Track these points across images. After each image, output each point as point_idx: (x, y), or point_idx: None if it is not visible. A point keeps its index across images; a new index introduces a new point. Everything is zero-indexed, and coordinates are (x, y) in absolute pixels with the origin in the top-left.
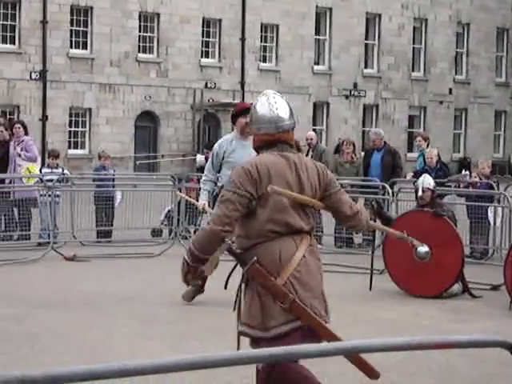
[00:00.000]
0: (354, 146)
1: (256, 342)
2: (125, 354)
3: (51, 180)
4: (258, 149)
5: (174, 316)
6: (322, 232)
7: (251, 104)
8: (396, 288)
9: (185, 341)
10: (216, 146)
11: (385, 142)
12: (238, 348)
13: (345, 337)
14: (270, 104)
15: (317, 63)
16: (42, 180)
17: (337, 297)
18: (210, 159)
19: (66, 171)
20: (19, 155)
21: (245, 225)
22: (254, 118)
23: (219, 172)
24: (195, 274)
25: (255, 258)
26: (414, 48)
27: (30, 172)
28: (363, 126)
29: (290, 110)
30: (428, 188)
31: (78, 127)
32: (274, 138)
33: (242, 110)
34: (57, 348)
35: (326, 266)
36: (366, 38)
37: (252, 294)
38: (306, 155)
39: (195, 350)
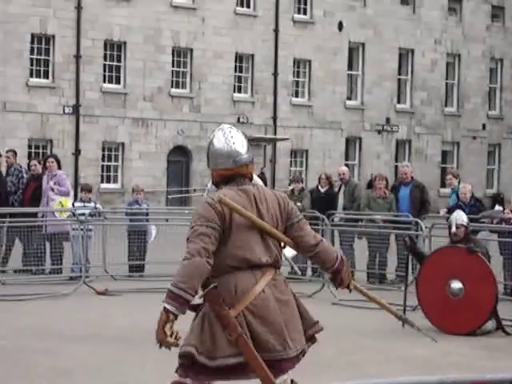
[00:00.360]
0: (386, 181)
1: (195, 367)
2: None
3: (83, 214)
4: (218, 184)
5: None
6: (355, 268)
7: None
8: (429, 325)
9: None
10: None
11: (412, 177)
12: None
13: (377, 374)
14: (227, 138)
15: (349, 98)
16: (74, 214)
17: (369, 334)
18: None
19: (98, 205)
20: (52, 189)
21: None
22: (211, 153)
23: None
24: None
25: (214, 284)
26: (447, 83)
27: (62, 206)
28: (396, 161)
29: (248, 143)
30: (462, 224)
31: (110, 161)
32: (232, 173)
33: None
34: (88, 383)
35: (357, 303)
36: (399, 73)
37: (206, 320)
38: (339, 190)
39: None
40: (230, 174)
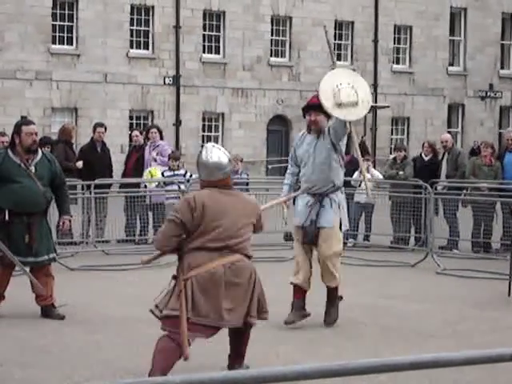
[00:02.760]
0: (493, 148)
1: (167, 320)
2: (260, 358)
3: (180, 183)
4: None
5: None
6: (459, 237)
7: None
8: None
9: (317, 346)
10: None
11: None
12: None
13: (484, 344)
14: (208, 156)
15: (451, 64)
16: (165, 183)
17: (475, 303)
18: (289, 157)
19: (189, 173)
20: (155, 160)
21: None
22: (199, 167)
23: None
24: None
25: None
26: None
27: (152, 175)
28: (500, 128)
29: (228, 158)
30: None
31: (211, 132)
32: (214, 184)
33: (308, 106)
34: (192, 350)
35: (462, 272)
36: (502, 39)
37: (174, 285)
38: (442, 158)
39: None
40: (211, 185)
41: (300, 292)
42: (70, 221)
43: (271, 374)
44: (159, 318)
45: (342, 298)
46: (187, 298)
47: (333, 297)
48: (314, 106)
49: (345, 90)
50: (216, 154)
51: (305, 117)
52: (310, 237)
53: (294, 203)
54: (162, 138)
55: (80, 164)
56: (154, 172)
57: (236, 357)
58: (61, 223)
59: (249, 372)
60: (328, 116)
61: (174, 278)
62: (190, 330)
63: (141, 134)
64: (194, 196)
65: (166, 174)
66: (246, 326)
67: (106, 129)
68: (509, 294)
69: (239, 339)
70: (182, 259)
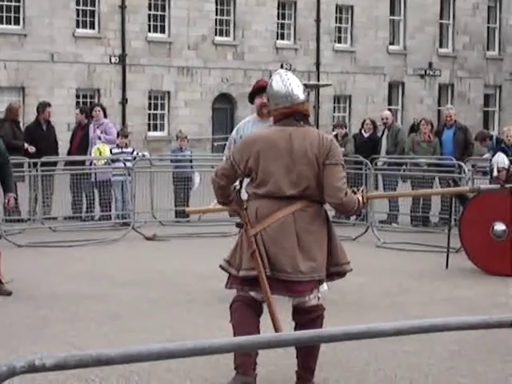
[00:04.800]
0: (431, 125)
1: (231, 280)
2: (203, 332)
3: (127, 160)
4: (276, 122)
5: None
6: (398, 211)
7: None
8: (473, 266)
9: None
10: (234, 130)
11: (455, 120)
12: None
13: (422, 315)
14: (284, 81)
15: (391, 43)
16: (113, 161)
17: (413, 275)
18: (227, 145)
19: (145, 153)
20: (99, 138)
21: (247, 186)
22: (271, 95)
23: None
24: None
25: (245, 207)
26: (488, 27)
27: (100, 153)
28: (439, 105)
29: (303, 85)
30: (503, 167)
31: (157, 110)
32: (291, 111)
33: (259, 89)
34: (137, 326)
35: (401, 245)
36: (441, 18)
37: (240, 238)
38: (382, 135)
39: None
40: (288, 111)
41: None
42: (15, 198)
43: (206, 346)
44: (234, 277)
45: None
46: (261, 255)
47: None
48: (264, 88)
49: None
50: (293, 78)
51: (252, 103)
52: None
53: None
54: (105, 116)
55: (33, 149)
56: (103, 149)
57: (304, 372)
58: (6, 200)
59: (185, 344)
60: None
61: (239, 225)
62: (271, 287)
63: (81, 112)
64: (250, 137)
65: (113, 151)
66: (332, 277)
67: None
68: (446, 267)
69: (307, 349)
70: (249, 205)
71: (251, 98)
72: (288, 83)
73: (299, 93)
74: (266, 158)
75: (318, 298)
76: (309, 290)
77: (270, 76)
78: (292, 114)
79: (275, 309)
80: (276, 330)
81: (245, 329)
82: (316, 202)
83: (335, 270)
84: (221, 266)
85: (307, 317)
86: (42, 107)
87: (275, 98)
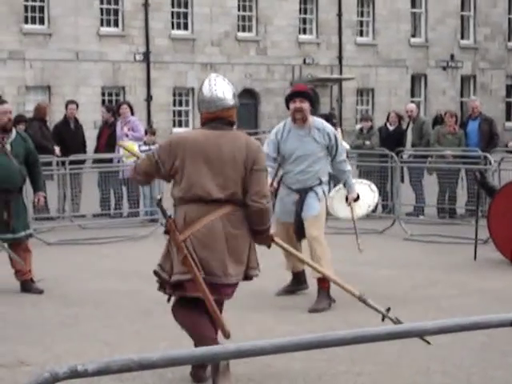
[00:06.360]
0: (456, 117)
1: (163, 285)
2: (234, 326)
3: None
4: (203, 125)
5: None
6: (425, 203)
7: (307, 87)
8: (501, 257)
9: (290, 313)
10: (273, 133)
11: (480, 112)
12: None
13: (451, 308)
14: (210, 86)
15: (413, 36)
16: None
17: (442, 268)
18: (265, 145)
19: None
20: (126, 135)
21: (172, 190)
22: (199, 99)
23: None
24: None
25: (170, 215)
26: (509, 18)
27: (128, 150)
28: (461, 97)
29: (232, 90)
30: None
31: (181, 106)
32: (214, 116)
33: (292, 94)
34: (169, 323)
35: (429, 237)
36: (462, 10)
37: (169, 244)
38: (407, 127)
39: (302, 322)
40: (211, 117)
41: (300, 274)
42: (44, 197)
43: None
44: (166, 282)
45: (334, 300)
46: (194, 258)
47: (320, 286)
48: (298, 93)
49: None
50: (220, 84)
51: (288, 107)
52: (297, 228)
53: (275, 196)
54: (132, 114)
55: (58, 151)
56: (131, 147)
57: None
58: (36, 200)
59: (228, 347)
60: (312, 104)
61: (166, 233)
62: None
63: (108, 110)
64: (177, 138)
65: (141, 148)
66: (247, 279)
67: (77, 106)
68: (475, 258)
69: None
70: (176, 211)
71: (287, 102)
72: (214, 89)
73: (224, 99)
74: (193, 162)
75: None
76: (231, 292)
77: (293, 71)
78: (215, 120)
79: (216, 308)
80: (221, 329)
81: (200, 328)
82: (242, 207)
83: (249, 272)
84: (154, 272)
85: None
86: (66, 105)
87: (201, 103)
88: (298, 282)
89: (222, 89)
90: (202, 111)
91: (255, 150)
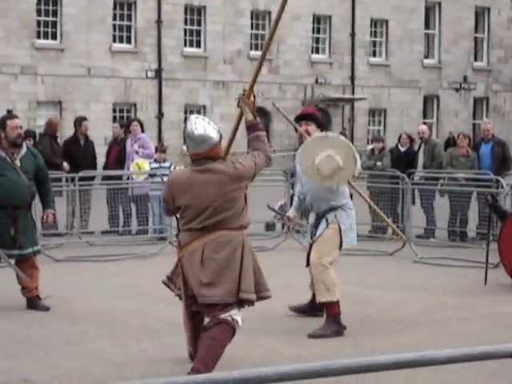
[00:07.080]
0: (469, 139)
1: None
2: (243, 347)
3: (165, 175)
4: (193, 163)
5: (287, 310)
6: (436, 226)
7: (316, 108)
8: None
9: (297, 335)
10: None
11: (493, 134)
12: None
13: (462, 331)
14: (191, 129)
15: (426, 57)
16: (151, 175)
17: (452, 291)
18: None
19: (173, 166)
20: (137, 152)
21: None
22: (186, 141)
23: None
24: None
25: (179, 238)
26: None
27: (139, 168)
28: (474, 119)
29: (213, 128)
30: None
31: None
32: (199, 156)
33: (299, 117)
34: (176, 343)
35: (439, 260)
36: (476, 32)
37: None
38: (418, 149)
39: (309, 344)
40: (198, 158)
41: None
42: (53, 214)
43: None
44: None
45: (345, 327)
46: (184, 277)
47: (328, 313)
48: (304, 116)
49: (322, 160)
50: (201, 125)
51: (296, 130)
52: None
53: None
54: (143, 131)
55: (66, 166)
56: (142, 165)
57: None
58: (44, 217)
59: (232, 374)
60: (320, 126)
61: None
62: (196, 305)
63: (121, 127)
64: (172, 176)
65: (152, 165)
66: (242, 302)
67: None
68: (485, 283)
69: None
70: (178, 238)
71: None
72: (196, 133)
73: (207, 139)
74: (185, 197)
75: (233, 320)
76: (216, 311)
77: (305, 90)
78: (202, 159)
79: (190, 327)
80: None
81: (191, 336)
82: (234, 230)
83: (243, 296)
84: (163, 282)
85: (212, 321)
86: (79, 122)
87: (188, 144)
88: (314, 307)
89: (203, 130)
90: (190, 152)
91: (232, 170)
